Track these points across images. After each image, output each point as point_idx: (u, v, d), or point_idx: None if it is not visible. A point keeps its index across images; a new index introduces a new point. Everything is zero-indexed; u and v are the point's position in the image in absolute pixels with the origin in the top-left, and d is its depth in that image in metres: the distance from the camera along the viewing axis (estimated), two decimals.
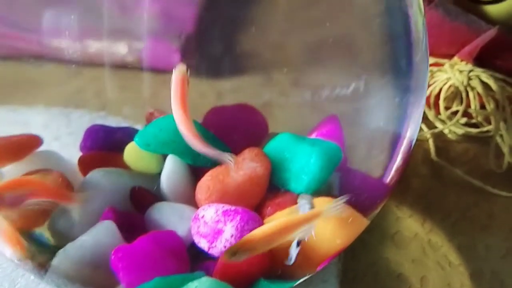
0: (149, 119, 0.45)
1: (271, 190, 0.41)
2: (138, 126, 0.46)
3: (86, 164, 0.43)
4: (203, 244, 0.38)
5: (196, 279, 0.35)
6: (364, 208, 0.43)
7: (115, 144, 0.45)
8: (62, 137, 0.45)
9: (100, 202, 0.40)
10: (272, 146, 0.43)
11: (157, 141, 0.41)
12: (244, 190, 0.40)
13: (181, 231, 0.39)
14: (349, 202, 0.38)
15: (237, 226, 0.37)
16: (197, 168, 0.42)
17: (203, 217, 0.38)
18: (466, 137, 0.67)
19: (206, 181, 0.40)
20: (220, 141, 0.43)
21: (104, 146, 0.45)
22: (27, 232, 0.40)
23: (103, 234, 0.38)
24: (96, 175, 0.42)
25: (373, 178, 0.45)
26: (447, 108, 0.67)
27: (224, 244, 0.37)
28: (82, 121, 0.45)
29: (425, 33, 0.43)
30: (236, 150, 0.46)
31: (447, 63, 0.67)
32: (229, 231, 0.37)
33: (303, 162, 0.41)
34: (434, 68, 0.68)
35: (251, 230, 0.36)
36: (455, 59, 0.67)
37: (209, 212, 0.38)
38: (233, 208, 0.38)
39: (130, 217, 0.41)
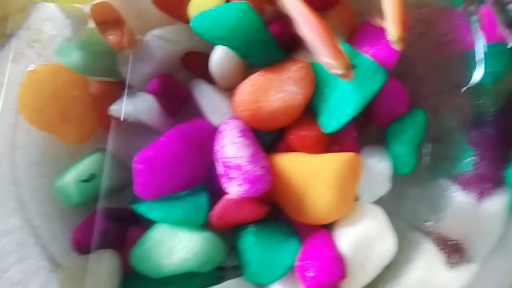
0: None
1: (307, 110, 0.42)
2: None
3: None
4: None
5: (195, 199, 0.41)
6: None
7: None
8: None
9: (152, 66, 0.43)
10: None
11: (210, 34, 0.40)
12: (275, 117, 0.41)
13: (213, 122, 0.42)
14: None
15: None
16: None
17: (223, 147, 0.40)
18: None
19: (245, 93, 0.41)
20: None
21: None
22: None
23: (144, 107, 0.43)
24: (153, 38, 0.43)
25: None
26: None
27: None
28: None
29: None
30: None
31: None
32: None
33: (339, 106, 0.40)
34: None
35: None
36: None
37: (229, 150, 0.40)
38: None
39: (176, 88, 0.44)
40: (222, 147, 0.41)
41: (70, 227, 0.41)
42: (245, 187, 0.39)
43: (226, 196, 0.40)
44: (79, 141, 0.43)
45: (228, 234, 0.42)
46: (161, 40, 0.43)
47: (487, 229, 0.40)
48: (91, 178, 0.41)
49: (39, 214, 0.42)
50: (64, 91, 0.42)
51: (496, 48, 0.40)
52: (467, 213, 0.41)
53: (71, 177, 0.40)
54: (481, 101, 0.40)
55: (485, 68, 0.40)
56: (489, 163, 0.40)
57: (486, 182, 0.39)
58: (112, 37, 0.42)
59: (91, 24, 0.42)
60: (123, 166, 0.43)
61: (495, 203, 0.39)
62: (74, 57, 0.42)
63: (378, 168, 0.43)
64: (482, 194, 0.40)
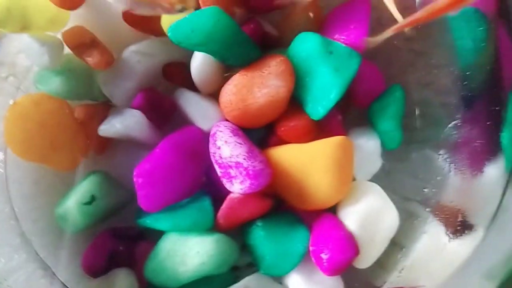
0: None
1: (291, 102, 0.44)
2: None
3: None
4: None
5: (199, 203, 0.42)
6: None
7: None
8: None
9: (134, 82, 0.44)
10: (298, 51, 0.43)
11: (188, 41, 0.41)
12: (263, 112, 0.42)
13: (202, 128, 0.43)
14: None
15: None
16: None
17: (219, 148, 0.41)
18: None
19: (230, 94, 0.42)
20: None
21: None
22: None
23: (133, 123, 0.43)
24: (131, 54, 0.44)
25: None
26: None
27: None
28: None
29: None
30: None
31: None
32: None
33: (323, 92, 0.41)
34: None
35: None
36: None
37: (225, 150, 0.41)
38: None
39: (161, 101, 0.45)
40: (217, 149, 0.41)
41: (77, 253, 0.40)
42: (247, 183, 0.40)
43: (230, 195, 0.41)
44: (71, 167, 0.43)
45: (236, 233, 0.43)
46: (139, 55, 0.43)
47: (485, 195, 0.41)
48: (92, 200, 0.40)
49: (43, 246, 0.41)
50: (49, 119, 0.42)
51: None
52: (460, 180, 0.43)
53: (73, 202, 0.40)
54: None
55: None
56: (476, 126, 0.42)
57: (476, 147, 0.41)
58: (90, 59, 0.42)
59: (67, 50, 0.43)
60: (120, 185, 0.43)
61: (491, 168, 0.41)
62: (55, 84, 0.42)
63: (368, 147, 0.44)
64: (474, 160, 0.42)
